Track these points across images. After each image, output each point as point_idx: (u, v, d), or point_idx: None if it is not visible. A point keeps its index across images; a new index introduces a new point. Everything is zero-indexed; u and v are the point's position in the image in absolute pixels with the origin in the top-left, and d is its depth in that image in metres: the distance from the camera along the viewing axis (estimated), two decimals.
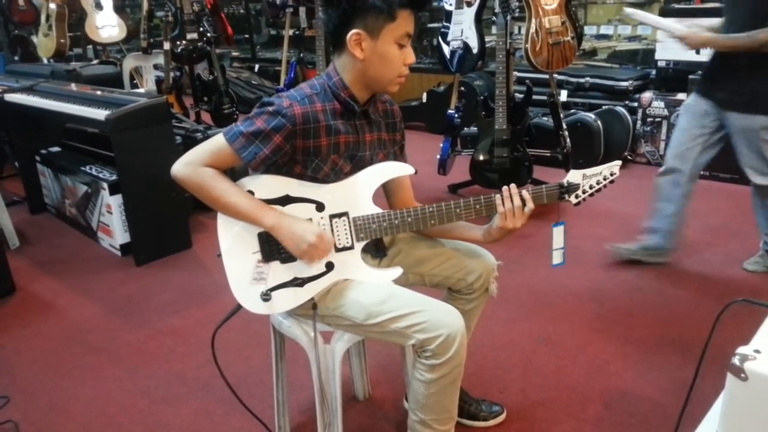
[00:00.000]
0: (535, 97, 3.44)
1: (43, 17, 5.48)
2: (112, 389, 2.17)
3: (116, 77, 4.81)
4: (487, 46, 3.62)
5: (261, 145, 1.41)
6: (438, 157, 3.71)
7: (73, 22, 5.67)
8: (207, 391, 2.13)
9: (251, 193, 1.47)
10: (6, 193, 4.06)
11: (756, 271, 2.76)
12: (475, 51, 3.53)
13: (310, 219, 1.48)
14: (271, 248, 1.49)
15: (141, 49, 5.11)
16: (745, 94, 2.41)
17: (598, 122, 4.07)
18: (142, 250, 3.14)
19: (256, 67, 7.00)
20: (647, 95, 4.19)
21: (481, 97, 3.50)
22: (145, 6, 4.88)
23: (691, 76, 3.86)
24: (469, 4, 3.50)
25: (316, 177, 1.48)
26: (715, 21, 2.54)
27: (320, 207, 1.49)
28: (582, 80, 4.55)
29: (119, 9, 5.44)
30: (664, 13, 4.05)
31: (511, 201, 1.48)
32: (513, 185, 1.49)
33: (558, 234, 1.62)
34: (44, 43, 5.51)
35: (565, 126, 3.53)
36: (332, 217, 1.49)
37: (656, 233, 2.77)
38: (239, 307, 1.52)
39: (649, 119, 4.20)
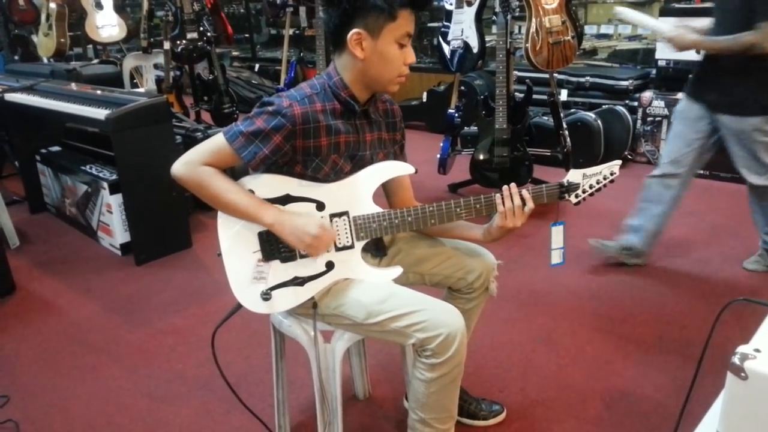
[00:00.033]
0: (535, 96, 3.44)
1: (43, 17, 5.49)
2: (112, 388, 2.17)
3: (116, 77, 4.82)
4: (487, 45, 3.62)
5: (261, 145, 1.41)
6: (438, 156, 3.71)
7: (73, 22, 5.68)
8: (207, 390, 2.13)
9: (251, 192, 1.47)
10: (6, 192, 4.06)
11: (756, 271, 2.76)
12: (475, 50, 3.53)
13: None
14: (272, 247, 1.49)
15: (141, 48, 5.11)
16: (735, 97, 2.41)
17: (598, 122, 4.07)
18: (143, 250, 3.15)
19: (257, 66, 7.00)
20: (647, 95, 4.19)
21: (482, 97, 3.50)
22: (145, 5, 4.88)
23: (691, 76, 3.85)
24: (470, 4, 3.50)
25: (316, 176, 1.48)
26: (705, 22, 2.53)
27: (321, 206, 1.49)
28: (582, 80, 4.55)
29: (119, 8, 5.44)
30: (664, 12, 4.05)
31: (511, 200, 1.48)
32: (513, 184, 1.49)
33: (557, 233, 1.62)
34: (44, 42, 5.52)
35: (565, 125, 3.54)
36: (332, 216, 1.49)
37: (637, 233, 2.75)
38: (239, 306, 1.53)
39: (649, 119, 4.20)
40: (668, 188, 2.63)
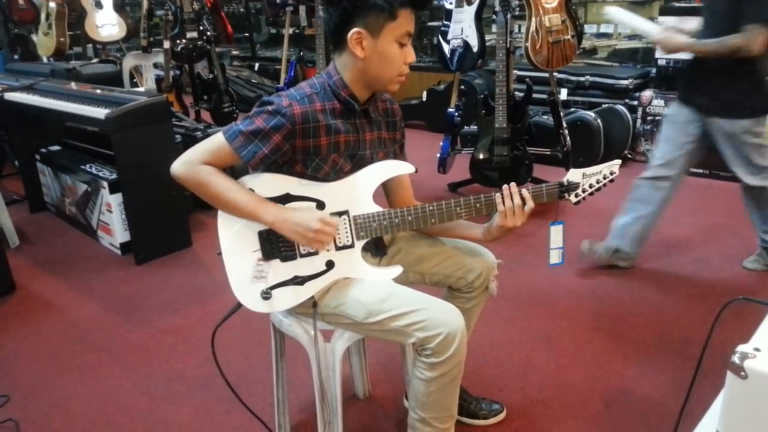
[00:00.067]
0: (535, 95, 3.44)
1: (42, 16, 5.49)
2: (112, 388, 2.17)
3: (116, 76, 4.82)
4: (487, 44, 3.62)
5: (260, 144, 1.41)
6: (438, 155, 3.71)
7: (73, 21, 5.68)
8: (207, 389, 2.13)
9: (252, 191, 1.47)
10: (6, 191, 4.06)
11: (756, 270, 2.76)
12: (475, 49, 3.53)
13: None
14: (272, 246, 1.49)
15: (141, 47, 5.11)
16: (724, 100, 2.41)
17: (598, 121, 4.07)
18: (142, 249, 3.15)
19: (256, 65, 7.00)
20: (647, 94, 4.19)
21: (481, 96, 3.50)
22: (145, 5, 4.88)
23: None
24: (470, 3, 3.50)
25: (316, 176, 1.48)
26: (694, 24, 2.52)
27: (321, 205, 1.49)
28: (582, 79, 4.55)
29: (119, 8, 5.44)
30: (665, 11, 4.05)
31: (511, 200, 1.48)
32: (513, 184, 1.49)
33: (556, 233, 1.61)
34: (44, 41, 5.51)
35: (565, 124, 3.53)
36: (333, 215, 1.49)
37: (623, 235, 2.73)
38: (239, 305, 1.53)
39: (649, 118, 4.20)
40: (658, 190, 2.63)
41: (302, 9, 4.69)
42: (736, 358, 0.93)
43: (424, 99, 5.37)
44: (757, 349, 0.95)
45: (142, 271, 3.08)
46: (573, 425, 1.88)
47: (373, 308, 1.45)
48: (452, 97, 3.79)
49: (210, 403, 2.06)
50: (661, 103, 4.12)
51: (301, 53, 5.68)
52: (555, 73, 3.54)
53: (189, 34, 4.46)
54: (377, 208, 1.50)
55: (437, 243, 1.69)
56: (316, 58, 4.08)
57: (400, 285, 1.52)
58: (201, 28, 4.52)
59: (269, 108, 1.41)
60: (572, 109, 4.32)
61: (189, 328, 2.52)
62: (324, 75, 1.50)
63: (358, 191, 1.50)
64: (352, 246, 1.51)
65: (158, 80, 5.30)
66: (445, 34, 3.63)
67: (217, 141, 1.45)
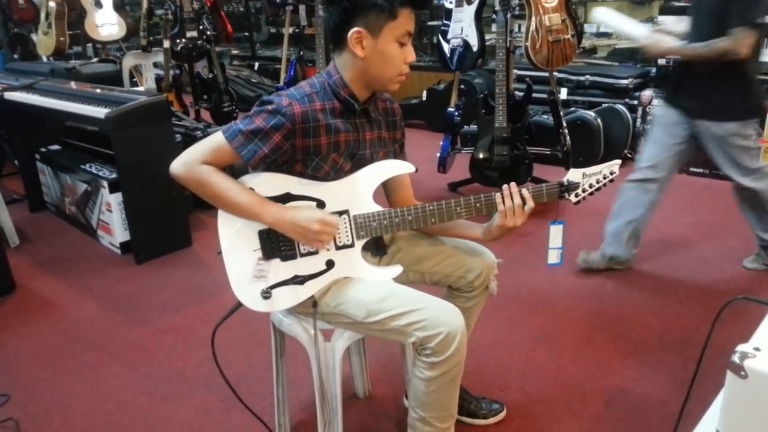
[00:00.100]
0: (535, 95, 3.44)
1: (42, 15, 5.49)
2: (112, 387, 2.17)
3: (116, 75, 4.82)
4: (487, 44, 3.62)
5: (260, 144, 1.41)
6: (438, 155, 3.71)
7: (72, 20, 5.68)
8: (207, 388, 2.13)
9: (252, 190, 1.47)
10: (6, 191, 4.06)
11: (755, 269, 2.76)
12: (475, 49, 3.53)
13: None
14: (272, 246, 1.49)
15: (141, 47, 5.11)
16: (711, 103, 2.41)
17: (598, 120, 4.07)
18: (142, 248, 3.14)
19: (256, 65, 7.00)
20: (647, 93, 4.19)
21: (481, 95, 3.50)
22: (145, 4, 4.87)
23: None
24: (469, 2, 3.50)
25: (316, 175, 1.48)
26: (682, 26, 2.51)
27: (321, 205, 1.49)
28: (582, 78, 4.55)
29: (119, 7, 5.44)
30: (664, 10, 4.04)
31: (511, 199, 1.48)
32: (513, 184, 1.49)
33: (556, 233, 1.61)
34: (44, 41, 5.51)
35: (565, 124, 3.53)
36: (333, 214, 1.49)
37: (617, 241, 2.72)
38: (239, 304, 1.53)
39: (649, 117, 4.20)
40: (647, 192, 2.62)
41: (302, 8, 4.69)
42: (736, 358, 0.93)
43: (424, 98, 5.37)
44: (757, 349, 0.95)
45: (142, 270, 3.08)
46: (573, 425, 1.88)
47: (373, 308, 1.45)
48: (452, 96, 3.79)
49: (210, 403, 2.06)
50: (661, 103, 4.11)
51: (301, 53, 5.67)
52: (555, 73, 3.54)
53: (189, 34, 4.46)
54: (377, 208, 1.50)
55: (437, 242, 1.69)
56: (316, 58, 4.08)
57: (400, 284, 1.52)
58: (201, 27, 4.52)
59: (269, 107, 1.41)
60: (572, 109, 4.32)
61: (189, 328, 2.52)
62: (324, 74, 1.50)
63: (358, 191, 1.50)
64: (352, 245, 1.51)
65: (158, 80, 5.30)
66: (444, 34, 3.63)
67: (216, 140, 1.45)
